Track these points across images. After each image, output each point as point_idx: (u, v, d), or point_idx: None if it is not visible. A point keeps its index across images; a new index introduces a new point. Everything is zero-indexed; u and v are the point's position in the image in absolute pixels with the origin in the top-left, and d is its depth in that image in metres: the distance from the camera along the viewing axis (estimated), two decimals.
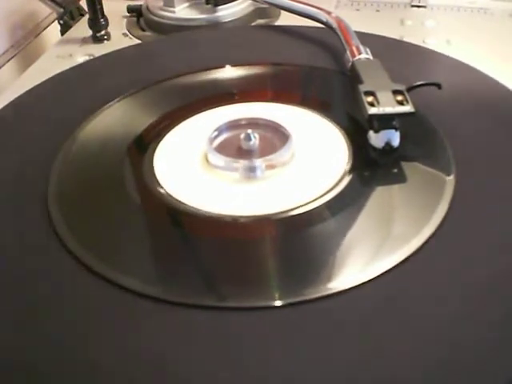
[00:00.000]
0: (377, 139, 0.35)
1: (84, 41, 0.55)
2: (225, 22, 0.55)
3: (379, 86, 0.36)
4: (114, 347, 0.26)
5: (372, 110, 0.34)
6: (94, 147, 0.38)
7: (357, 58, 0.41)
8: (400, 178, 0.34)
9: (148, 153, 0.37)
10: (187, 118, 0.40)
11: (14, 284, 0.30)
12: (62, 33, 0.59)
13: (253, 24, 0.56)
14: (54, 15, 0.61)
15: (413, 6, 0.58)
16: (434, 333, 0.26)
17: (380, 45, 0.44)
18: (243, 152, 0.36)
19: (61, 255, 0.31)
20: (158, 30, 0.56)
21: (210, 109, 0.41)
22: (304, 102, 0.41)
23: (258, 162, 0.35)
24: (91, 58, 0.51)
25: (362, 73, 0.38)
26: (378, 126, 0.34)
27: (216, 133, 0.37)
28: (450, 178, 0.33)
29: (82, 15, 0.60)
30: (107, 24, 0.55)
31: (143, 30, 0.57)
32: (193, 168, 0.36)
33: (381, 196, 0.33)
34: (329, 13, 0.48)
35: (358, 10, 0.58)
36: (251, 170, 0.35)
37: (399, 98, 0.35)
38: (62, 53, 0.53)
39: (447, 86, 0.37)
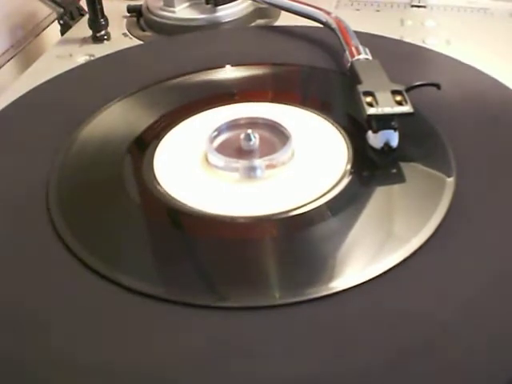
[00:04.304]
0: (375, 139, 0.35)
1: (84, 41, 0.55)
2: (225, 22, 0.55)
3: (378, 86, 0.36)
4: (114, 347, 0.26)
5: (371, 111, 0.34)
6: (94, 147, 0.38)
7: (356, 58, 0.41)
8: (399, 179, 0.34)
9: (148, 153, 0.37)
10: (187, 117, 0.40)
11: (13, 284, 0.30)
12: (62, 33, 0.59)
13: (252, 24, 0.56)
14: (54, 15, 0.61)
15: (413, 5, 0.58)
16: (434, 333, 0.26)
17: (379, 45, 0.44)
18: (243, 152, 0.36)
19: (61, 255, 0.31)
20: (158, 30, 0.56)
21: (209, 109, 0.41)
22: (304, 101, 0.41)
23: (258, 162, 0.35)
24: (91, 58, 0.52)
25: (360, 73, 0.38)
26: (376, 127, 0.34)
27: (216, 133, 0.37)
28: (450, 179, 0.33)
29: (82, 15, 0.61)
30: (107, 24, 0.55)
31: (143, 30, 0.57)
32: (193, 168, 0.36)
33: (381, 196, 0.34)
34: (328, 13, 0.48)
35: (358, 10, 0.58)
36: (251, 169, 0.35)
37: (398, 98, 0.35)
38: (62, 53, 0.53)
39: (447, 86, 0.37)
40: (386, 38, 0.48)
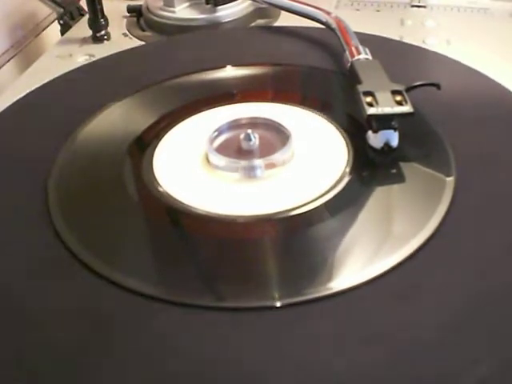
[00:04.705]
0: (375, 139, 0.35)
1: (84, 41, 0.55)
2: (225, 22, 0.55)
3: (378, 86, 0.36)
4: (114, 347, 0.26)
5: (371, 111, 0.34)
6: (94, 147, 0.38)
7: (356, 58, 0.41)
8: (399, 179, 0.34)
9: (148, 153, 0.37)
10: (187, 117, 0.40)
11: (13, 284, 0.30)
12: (62, 33, 0.59)
13: (252, 24, 0.56)
14: (54, 15, 0.61)
15: (413, 5, 0.58)
16: (434, 333, 0.26)
17: (379, 46, 0.44)
18: (243, 152, 0.36)
19: (61, 255, 0.31)
20: (158, 30, 0.56)
21: (209, 109, 0.41)
22: (304, 101, 0.41)
23: (258, 162, 0.35)
24: (91, 57, 0.52)
25: (360, 73, 0.38)
26: (376, 127, 0.34)
27: (216, 133, 0.37)
28: (450, 179, 0.33)
29: (82, 15, 0.61)
30: (107, 24, 0.55)
31: (143, 30, 0.57)
32: (193, 168, 0.36)
33: (380, 196, 0.34)
34: (328, 13, 0.48)
35: (357, 10, 0.58)
36: (251, 169, 0.35)
37: (398, 98, 0.35)
38: (62, 53, 0.53)
39: (446, 87, 0.37)
40: (385, 38, 0.48)
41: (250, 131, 0.36)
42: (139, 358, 0.26)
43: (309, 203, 0.33)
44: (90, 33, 0.55)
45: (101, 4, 0.54)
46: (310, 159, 0.36)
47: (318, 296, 0.28)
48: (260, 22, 0.57)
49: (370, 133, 0.35)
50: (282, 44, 0.49)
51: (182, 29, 0.55)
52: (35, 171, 0.36)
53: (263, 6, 0.56)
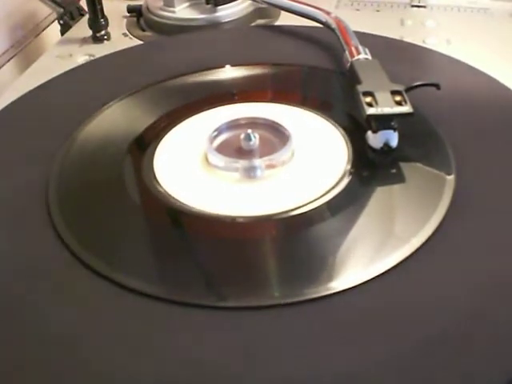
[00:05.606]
0: (375, 140, 0.35)
1: (84, 41, 0.55)
2: (225, 22, 0.55)
3: (378, 86, 0.36)
4: (114, 347, 0.26)
5: (370, 111, 0.34)
6: (94, 147, 0.38)
7: (355, 58, 0.41)
8: (399, 179, 0.34)
9: (148, 153, 0.37)
10: (187, 117, 0.40)
11: (13, 284, 0.30)
12: (62, 33, 0.59)
13: (253, 24, 0.56)
14: (54, 15, 0.62)
15: (413, 5, 0.58)
16: (434, 333, 0.26)
17: (379, 45, 0.44)
18: (243, 152, 0.36)
19: (61, 255, 0.31)
20: (158, 30, 0.56)
21: (209, 109, 0.41)
22: (304, 101, 0.41)
23: (258, 162, 0.35)
24: (91, 57, 0.52)
25: (360, 73, 0.38)
26: (376, 127, 0.34)
27: (216, 133, 0.37)
28: (450, 178, 0.33)
29: (82, 15, 0.61)
30: (107, 24, 0.55)
31: (143, 30, 0.57)
32: (193, 168, 0.36)
33: (380, 196, 0.34)
34: (328, 13, 0.48)
35: (358, 10, 0.58)
36: (251, 169, 0.35)
37: (398, 98, 0.35)
38: (62, 53, 0.53)
39: (446, 86, 0.37)
40: (385, 37, 0.48)
41: (250, 131, 0.36)
42: (139, 357, 0.26)
43: (309, 203, 0.33)
44: (89, 33, 0.55)
45: (101, 4, 0.54)
46: (309, 159, 0.36)
47: (318, 296, 0.28)
48: (260, 22, 0.57)
49: (369, 133, 0.35)
50: (282, 44, 0.49)
51: (182, 29, 0.55)
52: (35, 171, 0.36)
53: (263, 5, 0.56)
